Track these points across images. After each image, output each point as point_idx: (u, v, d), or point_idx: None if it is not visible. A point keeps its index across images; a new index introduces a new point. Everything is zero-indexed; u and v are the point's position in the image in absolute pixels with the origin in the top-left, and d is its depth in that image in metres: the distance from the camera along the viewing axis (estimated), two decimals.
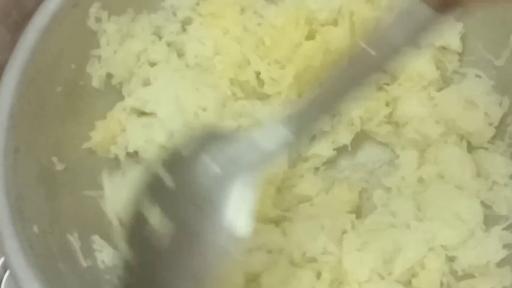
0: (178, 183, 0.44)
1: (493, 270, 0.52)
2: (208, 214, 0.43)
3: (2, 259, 0.57)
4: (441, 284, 0.53)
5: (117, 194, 0.56)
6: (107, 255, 0.55)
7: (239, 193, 0.43)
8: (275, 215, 0.55)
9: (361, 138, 0.60)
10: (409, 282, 0.54)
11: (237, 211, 0.43)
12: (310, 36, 0.58)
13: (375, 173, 0.60)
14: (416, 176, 0.57)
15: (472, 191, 0.55)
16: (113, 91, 0.59)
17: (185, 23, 0.61)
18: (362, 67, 0.40)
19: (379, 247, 0.53)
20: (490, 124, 0.58)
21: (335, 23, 0.59)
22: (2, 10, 0.58)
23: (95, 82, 0.58)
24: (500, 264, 0.53)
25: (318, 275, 0.53)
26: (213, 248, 0.43)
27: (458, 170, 0.56)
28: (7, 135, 0.51)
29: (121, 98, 0.59)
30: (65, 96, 0.55)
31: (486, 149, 0.58)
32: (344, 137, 0.59)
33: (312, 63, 0.57)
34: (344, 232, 0.55)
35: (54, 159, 0.55)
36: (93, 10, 0.56)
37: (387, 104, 0.59)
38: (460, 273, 0.53)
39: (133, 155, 0.58)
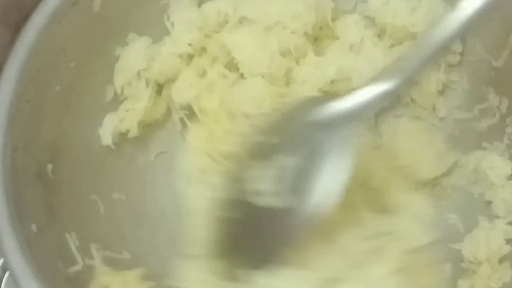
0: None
1: (493, 266, 0.53)
2: (302, 180, 0.46)
3: (2, 260, 0.58)
4: None
5: None
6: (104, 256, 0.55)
7: (334, 164, 0.45)
8: None
9: None
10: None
11: (330, 182, 0.45)
12: None
13: None
14: None
15: None
16: None
17: None
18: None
19: None
20: None
21: None
22: (2, 10, 0.58)
23: None
24: (500, 259, 0.53)
25: None
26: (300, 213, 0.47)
27: None
28: (6, 134, 0.50)
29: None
30: (64, 95, 0.55)
31: (485, 149, 0.58)
32: None
33: None
34: None
35: (53, 158, 0.55)
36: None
37: None
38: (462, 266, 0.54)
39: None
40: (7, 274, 0.58)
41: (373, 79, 0.46)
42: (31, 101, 0.52)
